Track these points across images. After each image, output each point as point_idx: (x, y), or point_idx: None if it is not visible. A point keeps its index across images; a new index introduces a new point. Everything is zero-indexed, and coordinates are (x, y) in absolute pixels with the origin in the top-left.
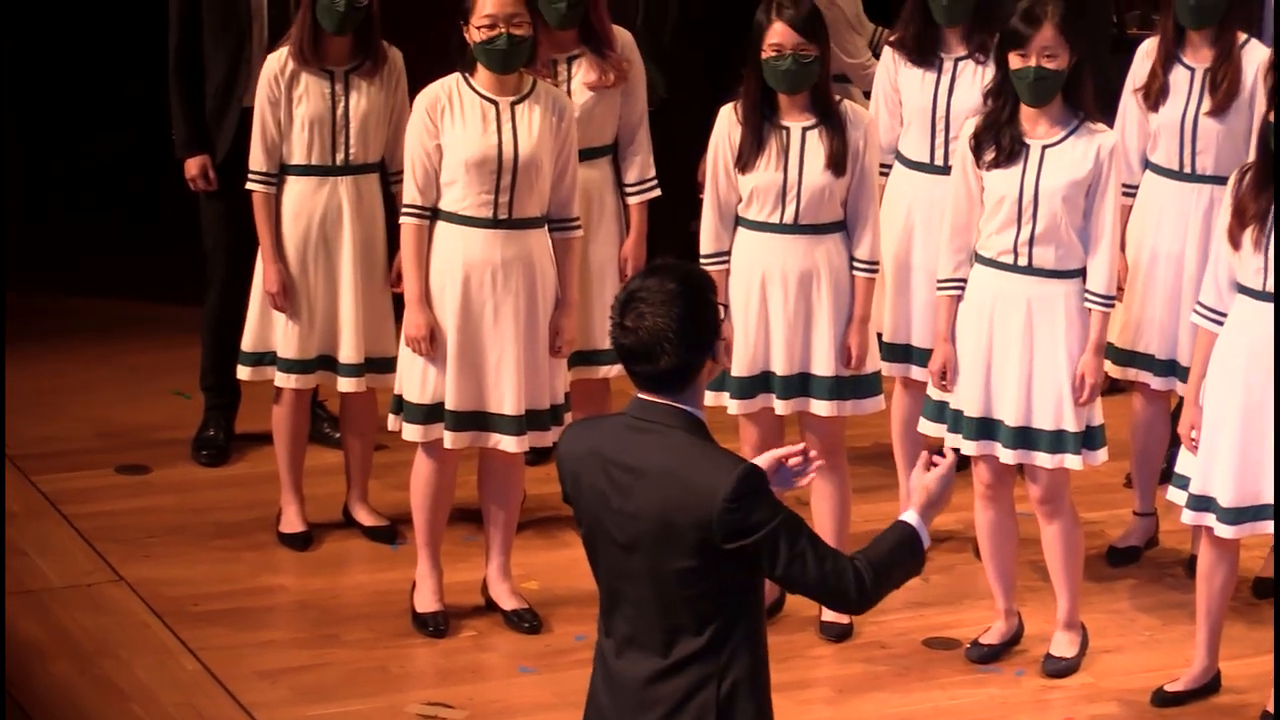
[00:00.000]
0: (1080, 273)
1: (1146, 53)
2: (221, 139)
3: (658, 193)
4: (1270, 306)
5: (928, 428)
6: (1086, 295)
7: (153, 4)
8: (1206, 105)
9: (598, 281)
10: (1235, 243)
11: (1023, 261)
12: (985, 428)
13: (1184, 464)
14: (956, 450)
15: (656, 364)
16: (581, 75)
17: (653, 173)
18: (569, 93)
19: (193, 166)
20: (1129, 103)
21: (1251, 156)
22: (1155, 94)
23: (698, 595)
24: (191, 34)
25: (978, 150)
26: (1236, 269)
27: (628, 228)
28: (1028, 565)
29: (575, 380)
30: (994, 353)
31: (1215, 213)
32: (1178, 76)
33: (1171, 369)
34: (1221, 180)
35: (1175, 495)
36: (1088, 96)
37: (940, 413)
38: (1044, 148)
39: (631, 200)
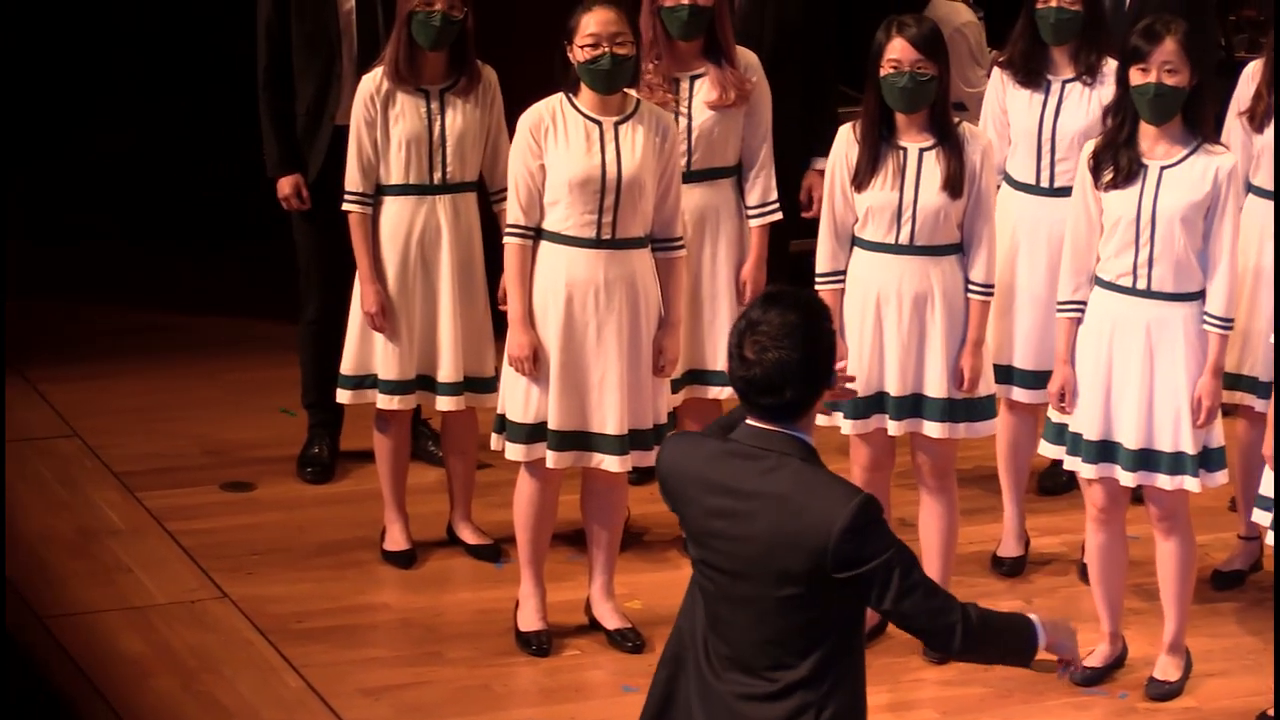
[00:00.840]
0: (1200, 295)
1: (1251, 75)
2: (313, 158)
3: (779, 216)
4: None
5: (1048, 450)
6: (1205, 318)
7: (243, 25)
8: None
9: (711, 303)
10: None
11: (1141, 284)
12: (1104, 450)
13: (1267, 485)
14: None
15: (781, 396)
16: (704, 94)
17: (774, 195)
18: (690, 111)
19: (285, 186)
20: (1233, 125)
21: None
22: (1260, 116)
23: (802, 623)
24: (281, 53)
25: (1096, 171)
26: None
27: (747, 249)
28: (1131, 589)
29: (687, 399)
30: (1113, 375)
31: None
32: None
33: (1249, 384)
34: None
35: (1260, 517)
36: (1208, 118)
37: (1060, 435)
38: (1162, 168)
39: (753, 223)
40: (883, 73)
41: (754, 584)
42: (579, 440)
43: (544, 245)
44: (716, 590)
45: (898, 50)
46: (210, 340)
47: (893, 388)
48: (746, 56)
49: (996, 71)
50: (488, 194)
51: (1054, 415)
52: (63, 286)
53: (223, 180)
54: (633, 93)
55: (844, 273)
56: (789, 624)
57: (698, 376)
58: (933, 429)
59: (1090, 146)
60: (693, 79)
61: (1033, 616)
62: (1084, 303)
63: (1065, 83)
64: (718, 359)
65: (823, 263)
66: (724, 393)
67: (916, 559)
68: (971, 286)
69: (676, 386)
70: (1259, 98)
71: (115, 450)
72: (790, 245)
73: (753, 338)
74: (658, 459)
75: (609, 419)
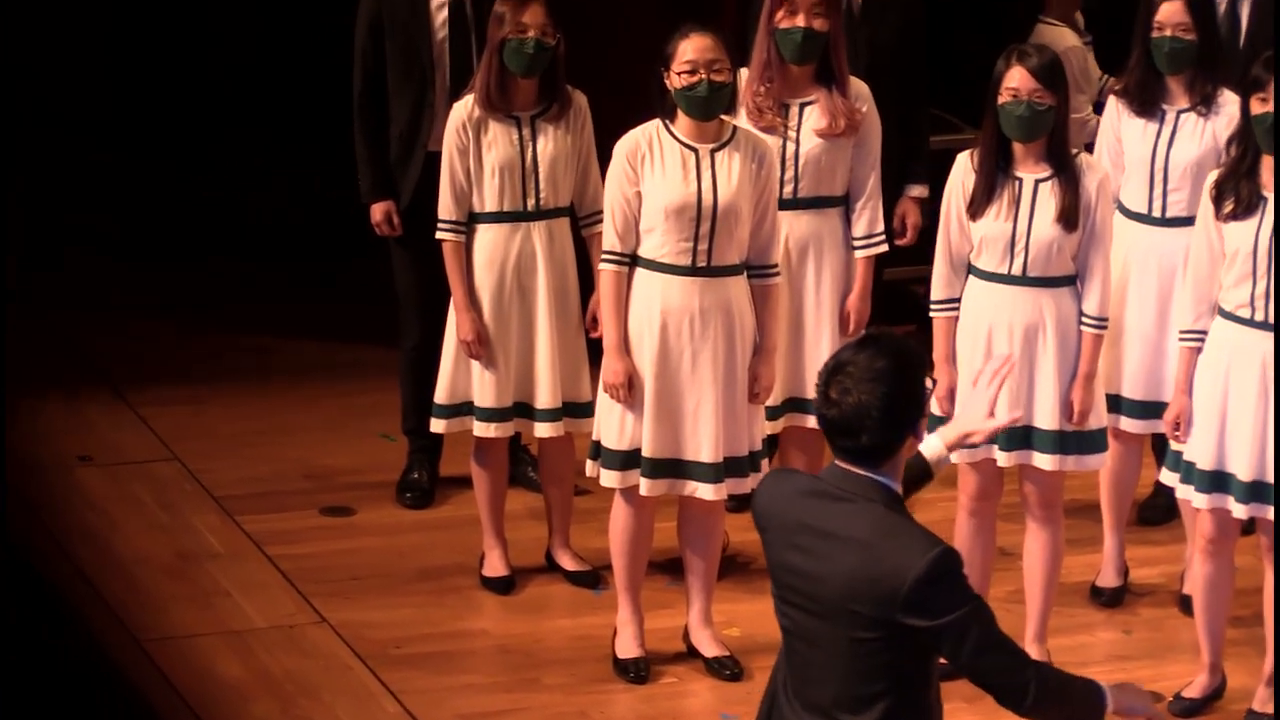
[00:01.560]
0: None
1: None
2: (406, 184)
3: (885, 248)
4: None
5: (1168, 477)
6: None
7: (337, 51)
8: None
9: (815, 332)
10: None
11: (1259, 316)
12: (1217, 480)
13: None
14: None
15: (857, 440)
16: (813, 121)
17: (881, 227)
18: (798, 139)
19: (378, 212)
20: None
21: None
22: None
23: (872, 669)
24: (375, 80)
25: (1217, 201)
26: None
27: (852, 280)
28: (1229, 620)
29: (787, 427)
30: (1229, 405)
31: None
32: None
33: None
34: None
35: None
36: None
37: (1179, 463)
38: None
39: (859, 254)
40: (1001, 101)
41: (828, 625)
42: (673, 468)
43: (639, 272)
44: (793, 628)
45: (1016, 79)
46: (310, 365)
47: (1001, 418)
48: (858, 85)
49: (1112, 100)
50: (577, 219)
51: (1175, 444)
52: (164, 308)
53: (322, 204)
54: (729, 119)
55: (958, 300)
56: (859, 669)
57: (798, 405)
58: (1043, 460)
59: (1214, 175)
60: (802, 105)
61: (1102, 683)
62: (1204, 332)
63: (1180, 112)
64: None
65: (937, 290)
66: None
67: (992, 614)
68: (1085, 319)
69: (776, 414)
70: None
71: (215, 474)
72: (884, 274)
73: (839, 379)
74: (754, 491)
75: (704, 446)
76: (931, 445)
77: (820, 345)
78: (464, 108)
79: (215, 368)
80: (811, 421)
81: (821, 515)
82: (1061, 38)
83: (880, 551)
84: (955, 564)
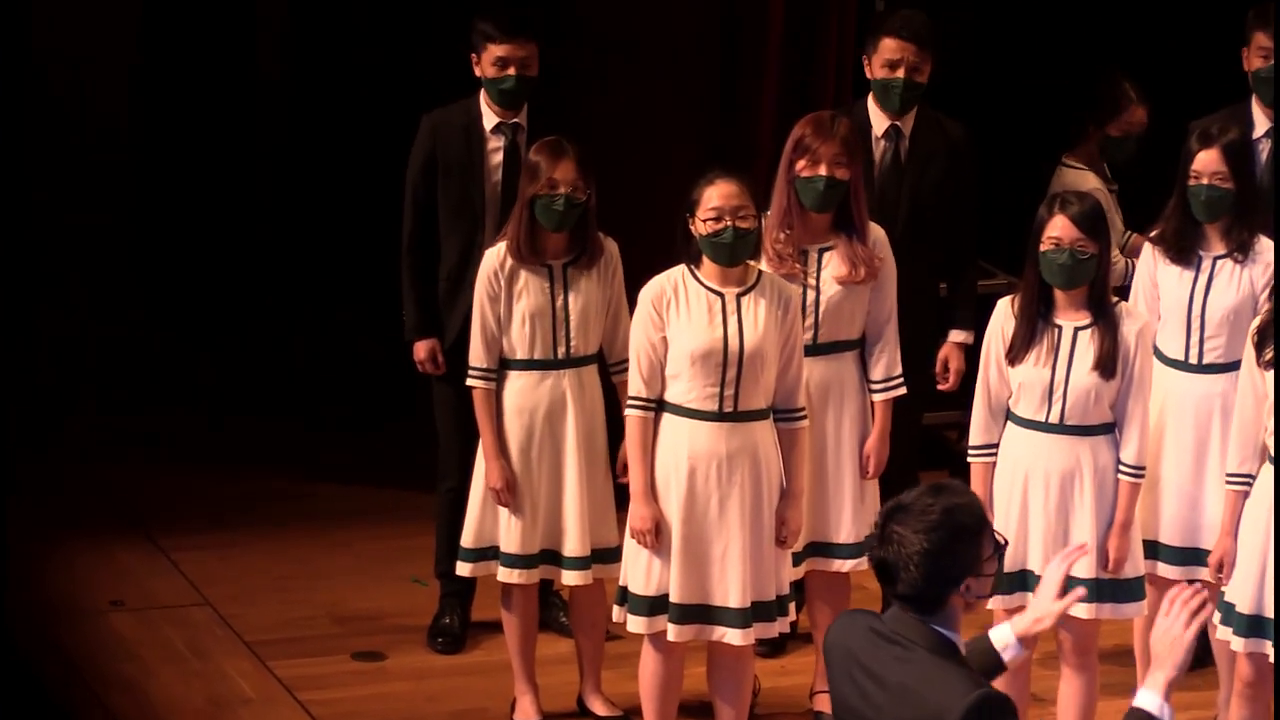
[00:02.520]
0: None
1: None
2: (452, 323)
3: (903, 391)
4: None
5: (1216, 617)
6: None
7: (387, 191)
8: None
9: (836, 475)
10: None
11: None
12: (1256, 625)
13: None
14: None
15: (894, 584)
16: (832, 268)
17: (899, 370)
18: (818, 284)
19: (422, 349)
20: None
21: None
22: None
23: None
24: (426, 220)
25: (1259, 347)
26: None
27: (870, 423)
28: None
29: (810, 571)
30: (1271, 549)
31: None
32: None
33: None
34: None
35: None
36: None
37: (1220, 604)
38: None
39: (877, 397)
40: (1043, 248)
41: None
42: (701, 613)
43: (666, 418)
44: None
45: (1059, 227)
46: (342, 509)
47: (1037, 565)
48: (876, 232)
49: (1148, 247)
50: (606, 364)
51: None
52: (196, 454)
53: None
54: (754, 264)
55: (996, 446)
56: None
57: (821, 549)
58: (1079, 609)
59: (1256, 321)
60: (821, 251)
61: (1151, 706)
62: (1252, 476)
63: (1216, 259)
64: (840, 531)
65: (976, 435)
66: (846, 565)
67: None
68: (1122, 467)
69: (798, 559)
70: None
71: (246, 619)
72: (924, 418)
73: (893, 521)
74: (827, 629)
75: (731, 592)
76: (1002, 635)
77: (842, 490)
78: (496, 255)
79: (247, 512)
80: (835, 565)
81: (874, 656)
82: (1083, 179)
83: (921, 696)
84: (996, 709)
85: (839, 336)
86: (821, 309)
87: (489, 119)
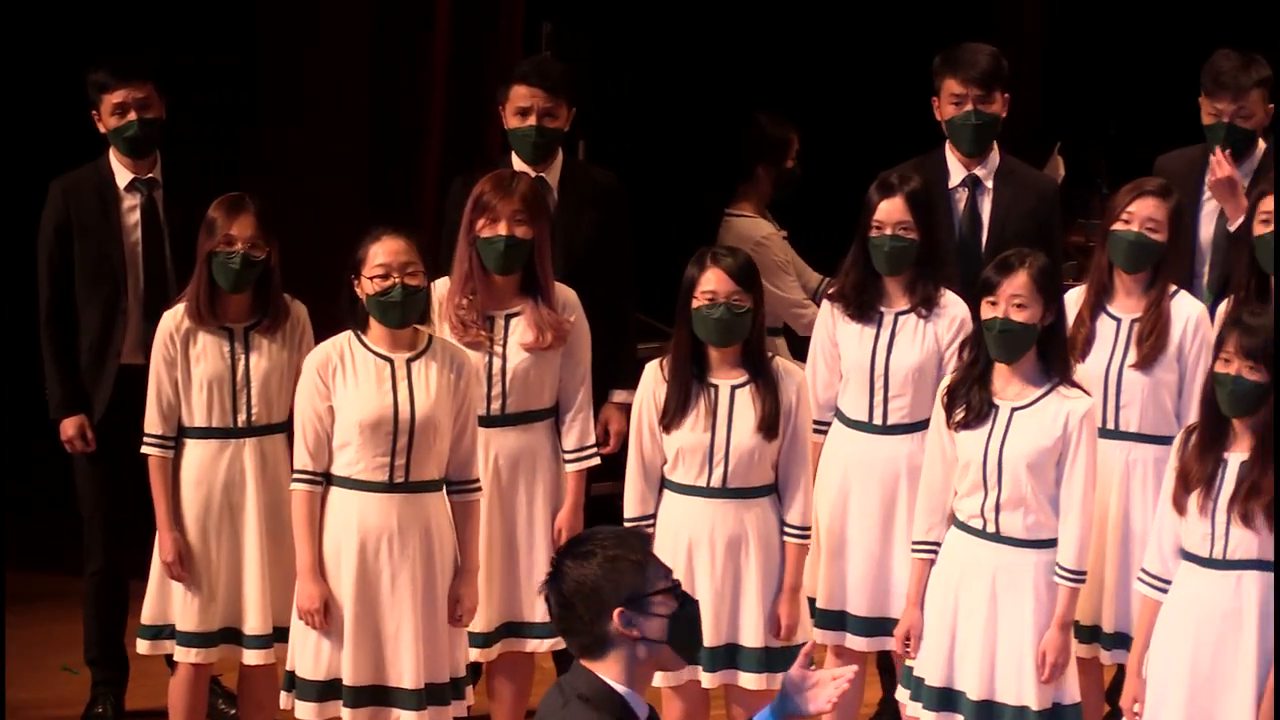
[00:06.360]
0: (1053, 544)
1: (1074, 301)
2: (98, 398)
3: (597, 461)
4: (1215, 574)
5: (900, 694)
6: (1055, 569)
7: (22, 256)
8: (1132, 357)
9: (528, 552)
10: (1180, 508)
11: (990, 528)
12: (945, 698)
13: None
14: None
15: (560, 625)
16: (519, 334)
17: (592, 439)
18: (504, 353)
19: (69, 427)
20: None
21: (1194, 417)
22: (1080, 344)
23: None
24: (63, 287)
25: (949, 408)
26: (1182, 535)
27: (564, 495)
28: None
29: (503, 654)
30: (959, 621)
31: (1141, 472)
32: (1104, 327)
33: (1094, 634)
34: (1145, 438)
35: None
36: (1064, 358)
37: (909, 678)
38: (1013, 410)
39: (570, 468)
40: (695, 305)
41: None
42: (377, 695)
43: (334, 491)
44: None
45: (713, 281)
46: None
47: (706, 638)
48: (565, 294)
49: (826, 304)
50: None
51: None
52: None
53: None
54: (424, 329)
55: (654, 516)
56: None
57: (515, 629)
58: (748, 680)
59: (946, 381)
60: (508, 317)
61: None
62: (937, 543)
63: (899, 315)
64: (535, 610)
65: (631, 506)
66: (544, 645)
67: None
68: (788, 529)
69: (490, 641)
70: (1080, 323)
71: None
72: (593, 489)
73: (562, 556)
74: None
75: (405, 673)
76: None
77: (536, 565)
78: (173, 317)
79: None
80: (530, 645)
81: (548, 714)
82: (755, 227)
83: None
84: None
85: (529, 406)
86: (509, 377)
87: (122, 176)
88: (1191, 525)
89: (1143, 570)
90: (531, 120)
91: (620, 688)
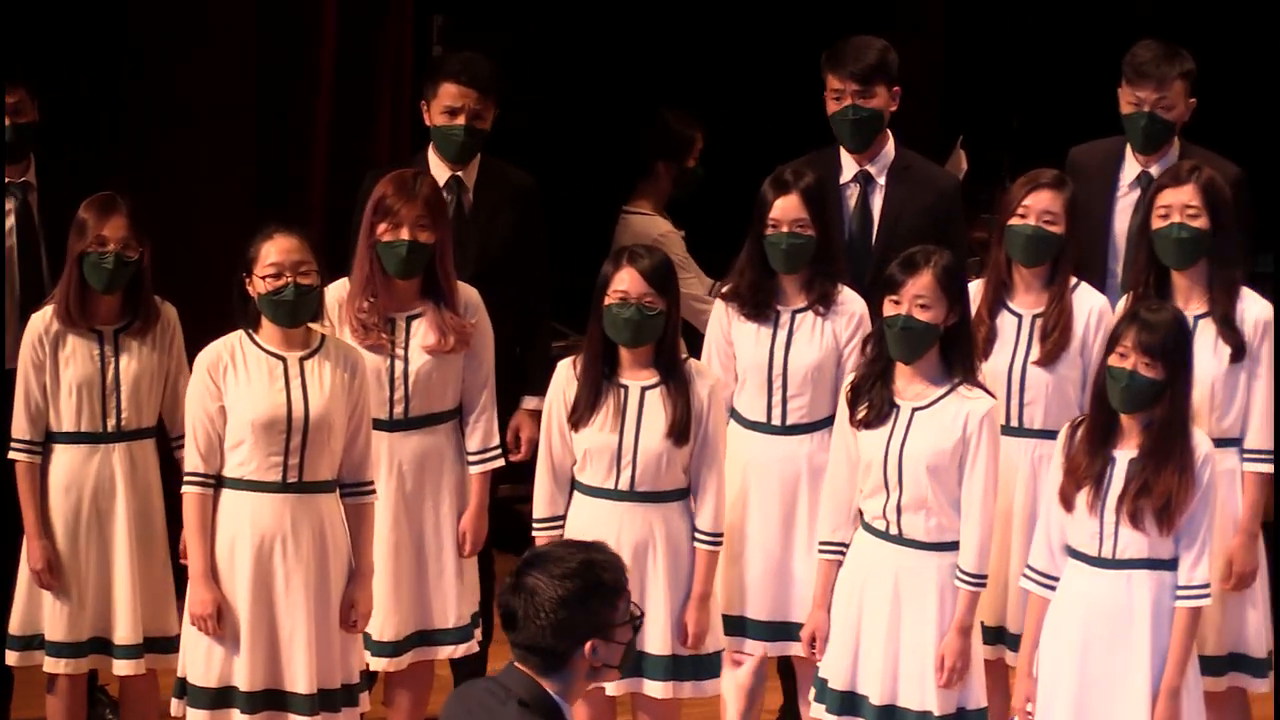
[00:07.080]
0: (957, 545)
1: (972, 298)
2: None
3: (501, 462)
4: (1104, 573)
5: (815, 708)
6: (955, 572)
7: None
8: (1035, 354)
9: (437, 558)
10: (1068, 504)
11: (893, 530)
12: (849, 702)
13: None
14: None
15: (519, 633)
16: (421, 337)
17: (496, 440)
18: (406, 356)
19: None
20: None
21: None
22: (982, 342)
23: None
24: None
25: (852, 406)
26: (1069, 532)
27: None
28: None
29: (413, 663)
30: (863, 624)
31: (1047, 469)
32: (1005, 323)
33: (999, 636)
34: (1050, 435)
35: None
36: (968, 359)
37: (814, 680)
38: (914, 410)
39: (473, 470)
40: (607, 303)
41: None
42: (273, 699)
43: (226, 493)
44: None
45: (626, 281)
46: None
47: None
48: (468, 294)
49: (720, 304)
50: (168, 439)
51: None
52: None
53: None
54: (318, 327)
55: (563, 518)
56: None
57: (426, 638)
58: (654, 689)
59: (850, 378)
60: (409, 319)
61: None
62: (843, 544)
63: (796, 313)
64: (447, 617)
65: (540, 507)
66: (457, 651)
67: None
68: (699, 535)
69: (401, 650)
70: (980, 320)
71: None
72: (498, 490)
73: (530, 569)
74: (444, 707)
75: (299, 677)
76: None
77: (446, 570)
78: (42, 319)
79: None
80: (443, 653)
81: (476, 707)
82: (653, 225)
83: None
84: None
85: (433, 408)
86: (411, 380)
87: None
88: (1079, 523)
89: (1028, 567)
90: (460, 120)
91: (558, 698)
